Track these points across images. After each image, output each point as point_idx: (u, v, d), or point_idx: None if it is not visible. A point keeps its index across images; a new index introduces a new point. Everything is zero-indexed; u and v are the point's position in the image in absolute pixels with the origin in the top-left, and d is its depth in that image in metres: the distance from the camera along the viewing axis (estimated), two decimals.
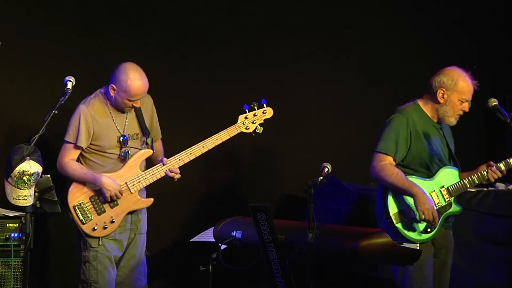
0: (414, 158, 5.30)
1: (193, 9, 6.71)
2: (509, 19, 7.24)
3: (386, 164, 5.24)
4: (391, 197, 5.28)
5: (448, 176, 5.34)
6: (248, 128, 5.57)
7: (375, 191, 6.39)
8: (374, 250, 4.71)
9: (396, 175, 5.21)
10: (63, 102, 5.06)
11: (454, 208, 5.31)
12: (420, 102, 5.38)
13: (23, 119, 6.17)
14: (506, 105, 6.37)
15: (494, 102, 5.13)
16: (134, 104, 5.39)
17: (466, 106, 5.33)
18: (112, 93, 5.38)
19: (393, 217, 5.23)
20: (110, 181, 5.33)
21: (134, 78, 5.33)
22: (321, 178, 4.81)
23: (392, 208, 5.26)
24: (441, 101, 5.28)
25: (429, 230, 5.22)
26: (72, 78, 5.19)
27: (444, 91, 5.28)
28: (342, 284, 5.81)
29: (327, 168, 4.94)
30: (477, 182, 5.33)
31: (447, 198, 5.30)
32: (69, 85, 5.16)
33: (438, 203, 5.28)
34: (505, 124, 5.20)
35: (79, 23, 6.38)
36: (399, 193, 5.24)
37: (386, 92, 7.13)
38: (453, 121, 5.36)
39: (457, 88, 5.27)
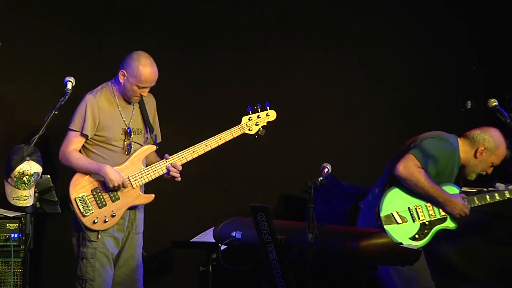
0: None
1: (193, 9, 6.70)
2: (509, 19, 7.24)
3: (420, 169, 5.26)
4: (391, 196, 5.30)
5: (449, 191, 5.36)
6: (251, 130, 5.56)
7: None
8: (374, 250, 4.72)
9: (429, 181, 5.26)
10: (63, 103, 5.05)
11: (449, 223, 5.35)
12: (460, 142, 5.45)
13: (23, 119, 6.17)
14: (506, 105, 6.35)
15: (494, 102, 5.12)
16: (142, 93, 5.38)
17: (491, 170, 5.48)
18: (121, 79, 5.37)
19: (384, 219, 5.25)
20: (114, 171, 5.31)
21: (146, 65, 5.34)
22: (321, 178, 4.82)
23: (387, 209, 5.28)
24: (478, 157, 5.42)
25: (416, 236, 5.27)
26: (72, 78, 5.17)
27: (484, 149, 5.40)
28: (342, 284, 5.81)
29: (327, 168, 4.94)
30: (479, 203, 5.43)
31: (442, 212, 5.34)
32: (69, 86, 5.15)
33: (431, 214, 5.32)
34: (505, 124, 5.19)
35: (79, 23, 6.38)
36: (409, 194, 5.27)
37: (386, 92, 7.12)
38: (473, 177, 5.51)
39: (497, 152, 5.43)
